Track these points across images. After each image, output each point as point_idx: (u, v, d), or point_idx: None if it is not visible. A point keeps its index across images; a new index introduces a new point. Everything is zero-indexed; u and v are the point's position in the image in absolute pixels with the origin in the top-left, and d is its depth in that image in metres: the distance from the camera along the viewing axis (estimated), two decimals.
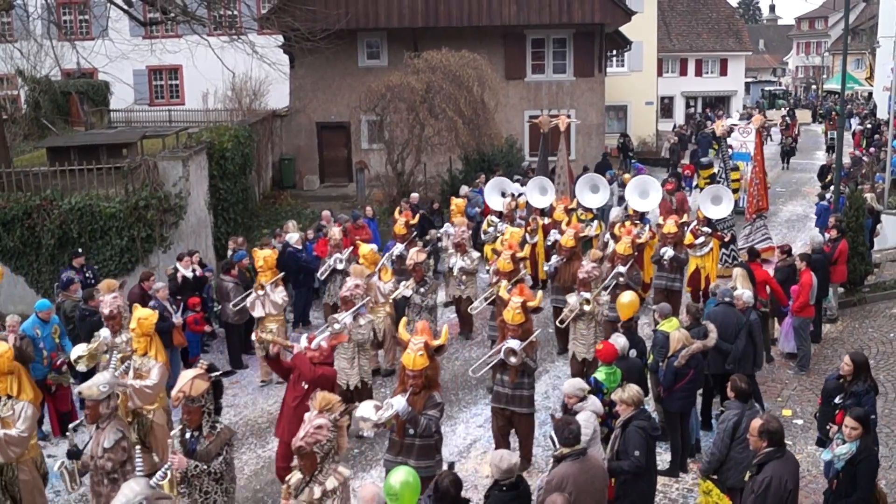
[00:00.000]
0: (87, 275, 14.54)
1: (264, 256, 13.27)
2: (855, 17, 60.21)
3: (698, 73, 53.88)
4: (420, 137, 23.73)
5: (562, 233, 14.92)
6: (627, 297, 11.52)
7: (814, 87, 79.06)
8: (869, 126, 40.73)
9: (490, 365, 10.08)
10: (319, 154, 29.82)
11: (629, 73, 39.46)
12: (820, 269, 13.78)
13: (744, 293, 11.67)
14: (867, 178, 25.23)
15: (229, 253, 15.82)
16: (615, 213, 17.31)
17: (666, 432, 10.45)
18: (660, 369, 10.31)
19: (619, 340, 10.19)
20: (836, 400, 9.10)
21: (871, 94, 55.13)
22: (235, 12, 26.51)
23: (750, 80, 70.80)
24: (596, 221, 17.72)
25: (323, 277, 14.81)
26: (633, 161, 31.66)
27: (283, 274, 13.52)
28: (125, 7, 21.08)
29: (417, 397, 8.09)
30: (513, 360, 9.60)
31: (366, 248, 13.88)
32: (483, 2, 27.55)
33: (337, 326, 10.61)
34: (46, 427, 11.99)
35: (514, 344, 9.65)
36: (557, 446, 7.62)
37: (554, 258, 14.42)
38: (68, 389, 12.07)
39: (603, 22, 28.39)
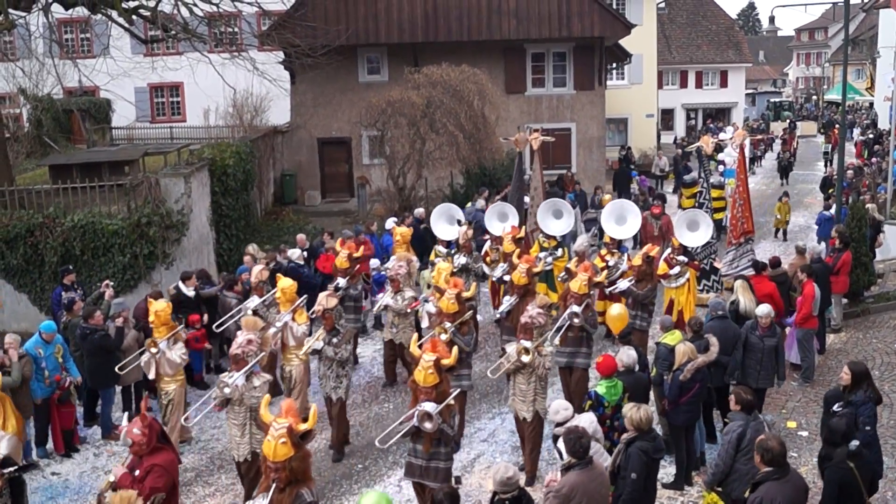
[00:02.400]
0: (77, 292, 14.52)
1: (156, 310, 11.51)
2: (855, 27, 60.35)
3: (699, 84, 53.97)
4: (421, 152, 23.76)
5: (513, 267, 13.33)
6: (617, 310, 11.41)
7: (814, 97, 79.15)
8: (870, 136, 40.71)
9: (401, 434, 8.75)
10: (321, 169, 29.87)
11: (629, 85, 39.57)
12: (820, 280, 13.75)
13: (761, 308, 11.40)
14: (869, 189, 25.22)
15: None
16: (581, 241, 15.28)
17: (671, 445, 10.43)
18: (664, 382, 10.28)
19: (630, 354, 10.15)
20: (835, 407, 9.11)
21: (871, 104, 55.18)
22: (236, 29, 26.63)
23: (751, 91, 70.91)
24: (560, 249, 16.27)
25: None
26: (633, 172, 31.59)
27: (181, 327, 12.08)
28: (126, 25, 21.16)
29: (283, 496, 6.72)
30: (427, 425, 8.34)
31: (285, 283, 12.47)
32: (483, 16, 27.65)
33: (227, 391, 9.28)
34: (50, 445, 12.02)
35: (429, 407, 8.39)
36: (565, 458, 7.63)
37: (506, 300, 12.97)
38: (73, 408, 12.22)
39: (602, 35, 28.46)
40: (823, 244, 21.35)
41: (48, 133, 27.73)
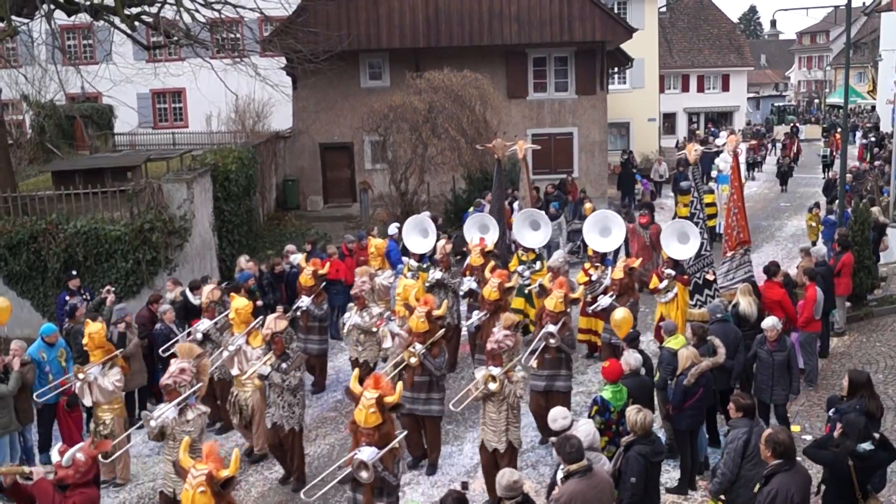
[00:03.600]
0: (84, 296, 14.53)
1: (90, 332, 10.81)
2: (856, 30, 60.25)
3: (700, 89, 53.99)
4: (423, 157, 23.78)
5: (482, 282, 12.89)
6: (620, 314, 11.37)
7: (816, 101, 79.17)
8: (873, 139, 40.62)
9: (337, 480, 7.84)
10: (323, 175, 29.89)
11: (631, 89, 39.55)
12: (824, 283, 13.72)
13: (767, 321, 11.09)
14: (872, 192, 25.17)
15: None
16: (556, 256, 14.49)
17: (675, 450, 10.41)
18: (668, 387, 10.25)
19: (635, 356, 10.11)
20: (830, 413, 9.13)
21: (873, 107, 55.17)
22: (238, 35, 26.66)
23: (753, 94, 70.99)
24: (539, 262, 15.46)
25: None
26: (637, 175, 31.58)
27: (119, 351, 11.36)
28: (128, 31, 21.19)
29: None
30: (364, 475, 7.42)
31: (241, 303, 11.70)
32: (484, 21, 27.68)
33: (153, 424, 8.40)
34: (54, 450, 11.97)
35: (365, 454, 7.43)
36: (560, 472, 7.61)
37: (475, 314, 12.51)
38: (80, 414, 12.10)
39: (604, 39, 28.50)
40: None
41: (51, 139, 27.80)
